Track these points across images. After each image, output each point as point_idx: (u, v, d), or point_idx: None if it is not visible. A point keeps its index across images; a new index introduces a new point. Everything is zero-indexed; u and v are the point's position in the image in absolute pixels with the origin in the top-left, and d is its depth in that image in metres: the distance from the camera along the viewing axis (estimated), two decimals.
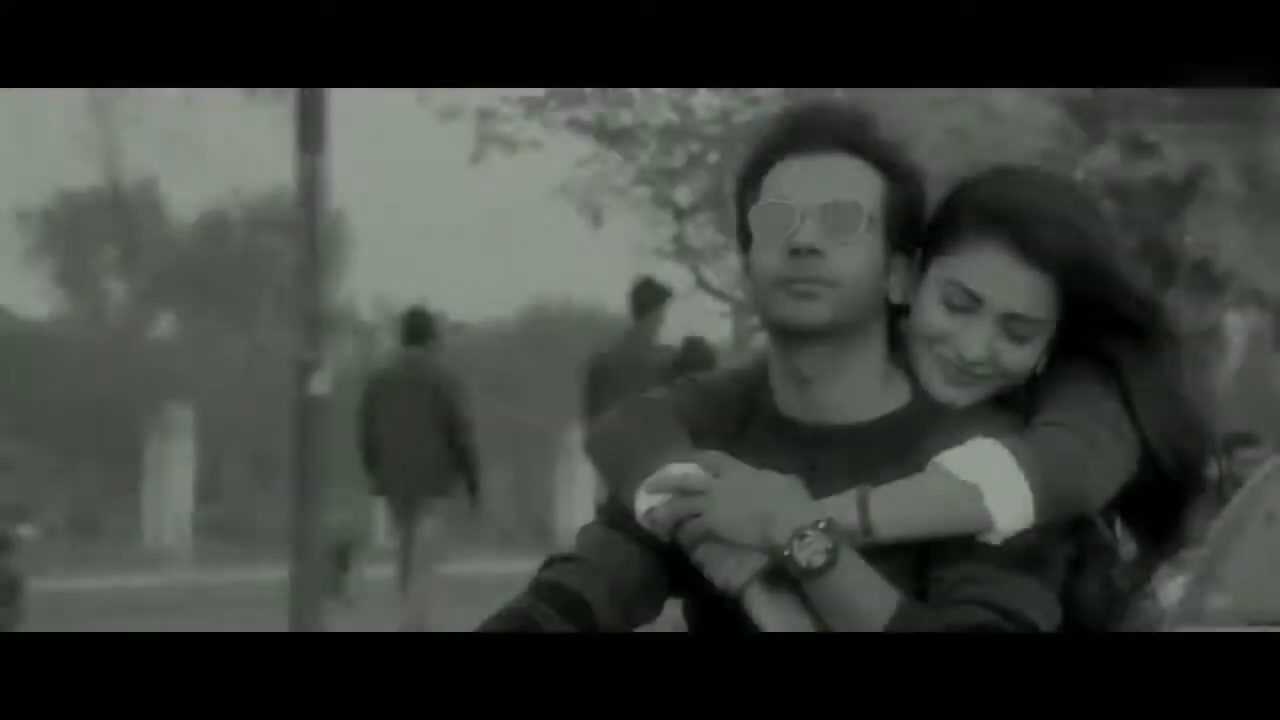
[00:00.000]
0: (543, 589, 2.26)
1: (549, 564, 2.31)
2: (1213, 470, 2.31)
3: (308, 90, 11.28)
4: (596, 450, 2.36)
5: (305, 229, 11.46)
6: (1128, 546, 2.36)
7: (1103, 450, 2.17)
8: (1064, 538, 2.20)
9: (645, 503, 2.22)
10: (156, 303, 43.92)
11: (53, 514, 25.43)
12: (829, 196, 2.20)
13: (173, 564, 22.38)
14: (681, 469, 2.20)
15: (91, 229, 44.69)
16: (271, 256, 43.96)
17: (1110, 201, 16.62)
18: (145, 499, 25.03)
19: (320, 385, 10.97)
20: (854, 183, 2.22)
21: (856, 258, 2.19)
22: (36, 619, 12.34)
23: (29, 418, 28.04)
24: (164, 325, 44.08)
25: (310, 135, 11.43)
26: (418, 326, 10.62)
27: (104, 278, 45.04)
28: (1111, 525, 2.31)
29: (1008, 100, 15.33)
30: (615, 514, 2.29)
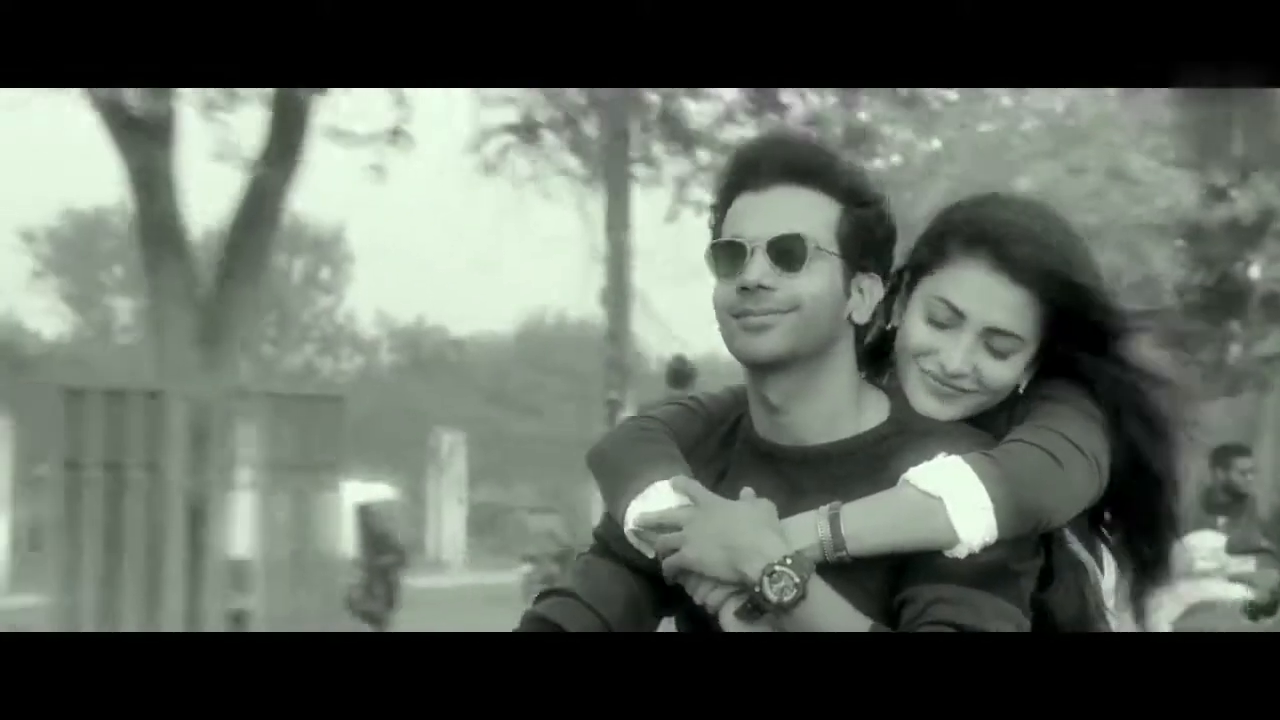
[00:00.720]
0: (531, 623, 2.32)
1: (541, 597, 2.36)
2: (1188, 478, 2.34)
3: (613, 176, 13.43)
4: (595, 468, 2.41)
5: (613, 297, 13.61)
6: (1117, 575, 2.39)
7: (1066, 466, 2.21)
8: (1033, 552, 2.24)
9: (630, 527, 2.30)
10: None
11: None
12: (775, 231, 2.24)
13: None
14: (662, 501, 2.27)
15: (98, 248, 44.78)
16: (272, 273, 44.07)
17: (1187, 241, 18.07)
18: None
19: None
20: (803, 213, 2.25)
21: (808, 286, 2.23)
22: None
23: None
24: None
25: (617, 215, 13.60)
26: (681, 371, 12.54)
27: (110, 295, 45.14)
28: (1086, 543, 2.36)
29: (1136, 163, 16.80)
30: (609, 538, 2.36)
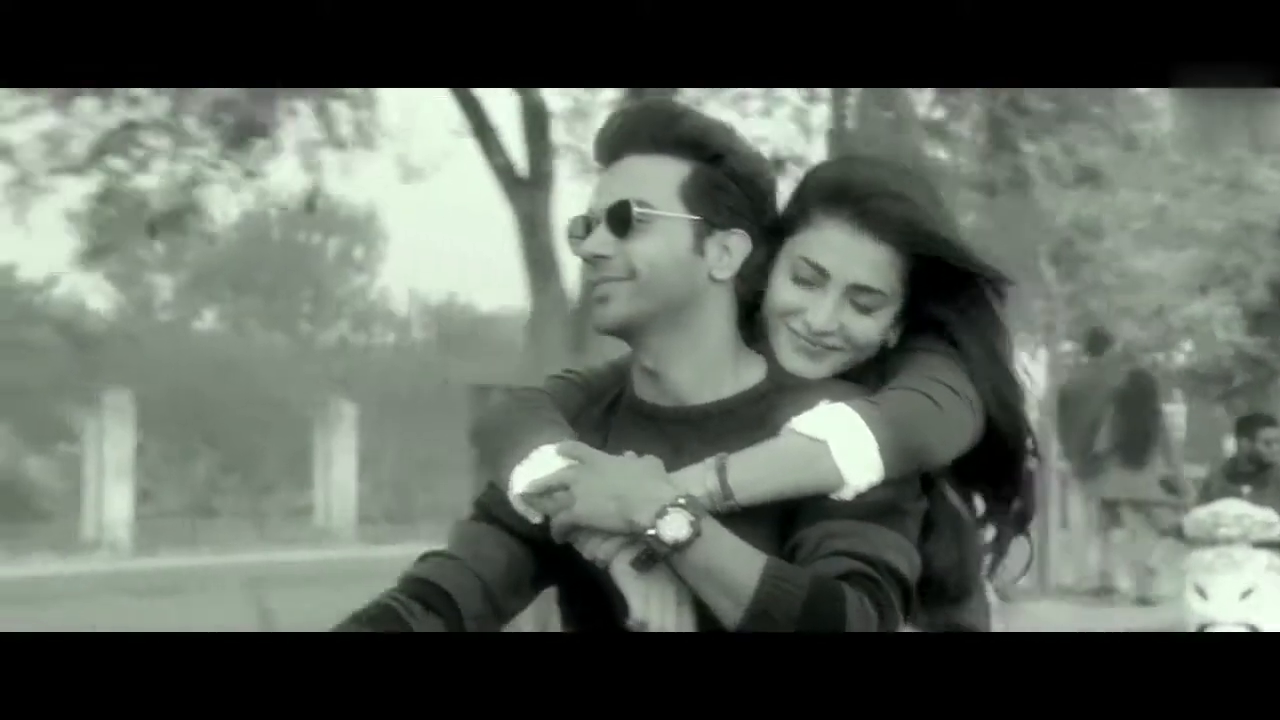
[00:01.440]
0: (409, 584, 2.32)
1: (422, 559, 2.37)
2: (1030, 423, 2.40)
3: None
4: (479, 439, 2.42)
5: None
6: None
7: (944, 406, 2.25)
8: (916, 495, 2.27)
9: (517, 492, 2.28)
10: (200, 297, 44.26)
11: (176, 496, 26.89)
12: (609, 200, 2.26)
13: (338, 541, 23.83)
14: (547, 466, 2.26)
15: (140, 227, 44.97)
16: (308, 252, 44.25)
17: (1276, 235, 18.71)
18: (316, 482, 26.71)
19: None
20: (642, 178, 2.27)
21: (642, 251, 2.25)
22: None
23: (202, 416, 29.21)
24: (208, 319, 44.39)
25: None
26: (1097, 341, 14.27)
27: (151, 273, 45.36)
28: (964, 498, 2.40)
29: (1260, 174, 17.55)
30: (491, 505, 2.35)
